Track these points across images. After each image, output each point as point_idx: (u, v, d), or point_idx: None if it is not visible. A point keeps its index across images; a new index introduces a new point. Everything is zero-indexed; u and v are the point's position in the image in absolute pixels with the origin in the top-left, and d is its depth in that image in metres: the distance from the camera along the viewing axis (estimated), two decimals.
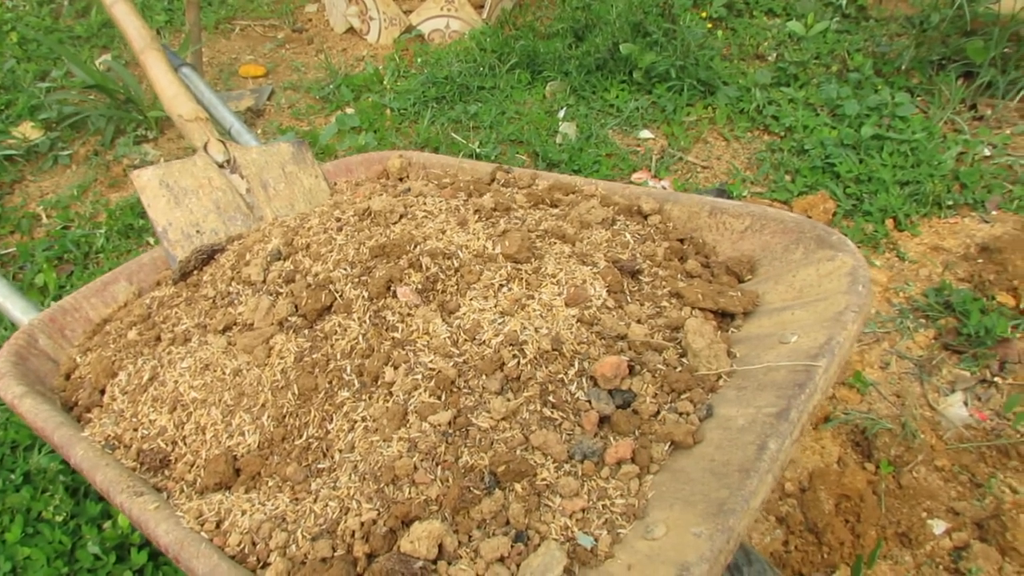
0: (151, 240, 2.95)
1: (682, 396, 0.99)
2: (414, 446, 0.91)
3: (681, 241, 1.34)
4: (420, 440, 0.91)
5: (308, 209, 1.69)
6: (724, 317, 1.15)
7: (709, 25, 3.59)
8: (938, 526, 1.95)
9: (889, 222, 2.66)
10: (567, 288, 1.09)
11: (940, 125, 2.93)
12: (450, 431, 0.91)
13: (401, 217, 1.24)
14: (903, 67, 3.16)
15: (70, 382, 1.34)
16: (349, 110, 3.47)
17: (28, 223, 3.18)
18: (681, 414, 0.97)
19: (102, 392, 1.22)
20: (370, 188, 1.65)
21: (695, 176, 3.33)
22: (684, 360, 1.05)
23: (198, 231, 1.59)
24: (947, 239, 2.61)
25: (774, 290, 1.16)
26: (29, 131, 3.50)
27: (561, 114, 3.30)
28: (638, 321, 1.10)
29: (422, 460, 0.89)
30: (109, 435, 1.11)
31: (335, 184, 1.82)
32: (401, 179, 1.78)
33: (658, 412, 0.97)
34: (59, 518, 1.85)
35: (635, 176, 3.08)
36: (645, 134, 3.27)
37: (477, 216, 1.24)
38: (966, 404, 2.25)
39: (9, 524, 1.84)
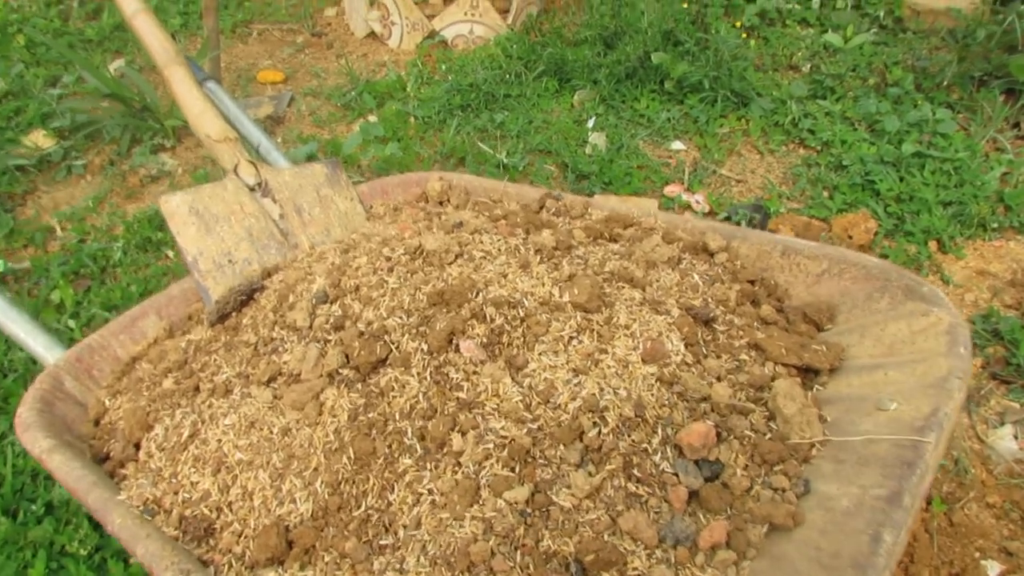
0: (170, 253, 2.88)
1: (775, 468, 0.91)
2: (489, 527, 0.83)
3: (751, 283, 1.26)
4: (496, 520, 0.83)
5: (344, 235, 1.61)
6: (807, 373, 1.07)
7: (743, 35, 3.50)
8: (992, 568, 1.87)
9: (932, 244, 2.57)
10: (643, 342, 1.01)
11: (983, 144, 2.84)
12: (528, 510, 0.83)
13: (457, 257, 1.16)
14: (944, 82, 3.07)
15: (100, 428, 1.26)
16: (372, 118, 3.39)
17: (42, 236, 3.10)
18: (776, 490, 0.89)
19: (136, 446, 1.15)
20: (411, 214, 1.56)
21: (729, 190, 3.24)
22: (771, 424, 0.97)
23: (230, 260, 1.51)
24: (992, 263, 2.52)
25: (860, 344, 1.08)
26: (41, 140, 3.43)
27: (590, 124, 3.22)
28: (718, 379, 1.02)
29: (499, 544, 0.81)
30: (148, 498, 1.03)
31: (370, 207, 1.74)
32: (441, 203, 1.70)
33: (751, 487, 0.88)
34: (84, 552, 1.77)
35: (667, 189, 2.99)
36: (677, 145, 3.18)
37: (539, 257, 1.16)
38: (1016, 437, 2.16)
39: (32, 559, 1.77)
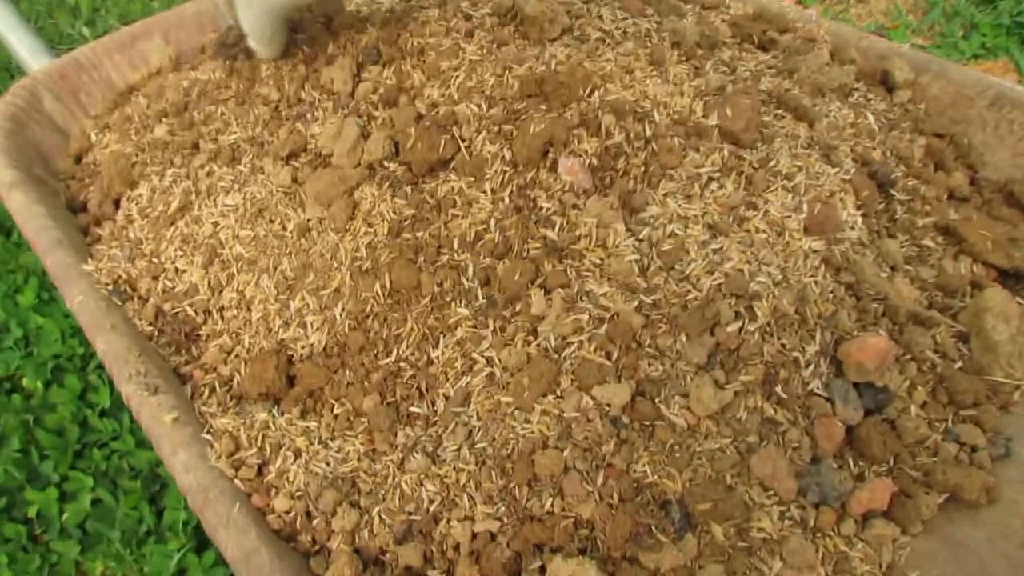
0: None
1: (963, 414, 0.65)
2: (567, 431, 0.59)
3: (939, 136, 0.94)
4: (577, 425, 0.59)
5: None
6: (1009, 278, 0.79)
7: None
8: None
9: None
10: (808, 202, 0.71)
11: None
12: (625, 420, 0.59)
13: (564, 33, 0.83)
14: None
15: (81, 167, 1.01)
16: None
17: None
18: (963, 446, 0.64)
19: (116, 203, 0.90)
20: None
21: (847, 11, 2.74)
22: (961, 348, 0.70)
23: None
24: None
25: None
26: None
27: None
28: (893, 268, 0.74)
29: (577, 459, 0.58)
30: (120, 276, 0.80)
31: None
32: None
33: (928, 436, 0.64)
34: None
35: None
36: None
37: (677, 53, 0.83)
38: None
39: (23, 284, 1.59)
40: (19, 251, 1.68)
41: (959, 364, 0.68)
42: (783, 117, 0.82)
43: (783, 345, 0.63)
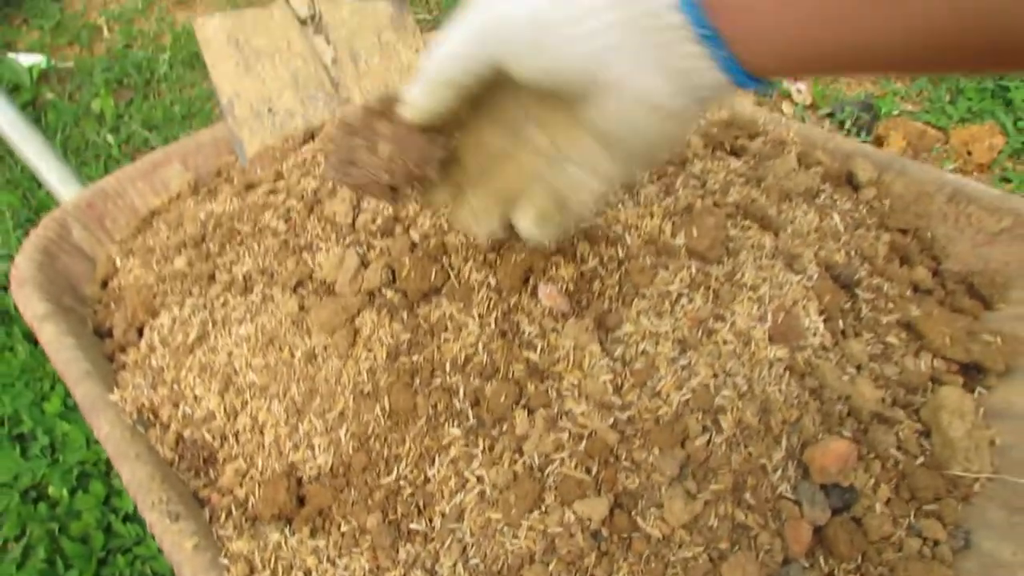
0: None
1: (926, 508, 0.70)
2: (551, 546, 0.64)
3: (903, 232, 1.00)
4: (560, 539, 0.64)
5: None
6: (970, 370, 0.83)
7: None
8: None
9: None
10: (772, 311, 0.77)
11: None
12: (605, 533, 0.64)
13: None
14: None
15: (107, 292, 1.09)
16: None
17: (88, 35, 2.87)
18: (926, 541, 0.68)
19: (140, 330, 0.97)
20: None
21: (837, 80, 2.85)
22: (924, 444, 0.75)
23: (270, 109, 1.28)
24: None
25: None
26: None
27: None
28: (859, 368, 0.79)
29: (562, 572, 0.63)
30: (144, 404, 0.86)
31: None
32: None
33: (893, 532, 0.68)
34: None
35: None
36: None
37: (648, 173, 0.90)
38: None
39: (49, 392, 1.67)
40: (46, 360, 1.76)
41: (921, 460, 0.73)
42: (749, 228, 0.88)
43: (750, 453, 0.68)
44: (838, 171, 1.05)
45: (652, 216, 0.84)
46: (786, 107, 2.80)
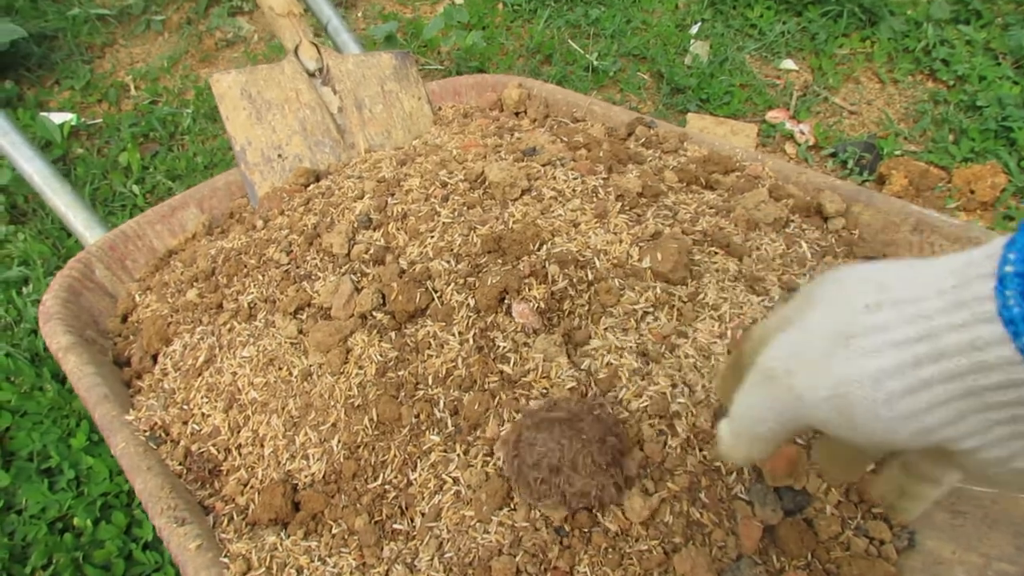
0: None
1: (874, 511, 0.74)
2: (518, 540, 0.69)
3: (870, 260, 1.05)
4: (526, 534, 0.69)
5: (406, 139, 1.45)
6: None
7: None
8: None
9: None
10: (731, 329, 0.83)
11: None
12: (567, 528, 0.70)
13: (523, 193, 0.99)
14: None
15: (127, 326, 1.17)
16: (459, 0, 3.14)
17: (116, 93, 3.02)
18: (872, 540, 0.73)
19: (154, 357, 1.05)
20: (481, 126, 1.38)
21: (840, 122, 2.91)
22: None
23: (280, 155, 1.38)
24: None
25: None
26: None
27: (694, 30, 2.90)
28: None
29: (527, 563, 0.68)
30: (156, 423, 0.94)
31: (439, 108, 1.56)
32: (517, 113, 1.51)
33: (841, 531, 0.73)
34: None
35: (770, 114, 2.70)
36: (788, 64, 2.85)
37: (620, 204, 0.98)
38: None
39: (75, 428, 1.75)
40: (72, 397, 1.85)
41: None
42: (716, 253, 0.95)
43: (705, 457, 0.73)
44: (808, 203, 1.12)
45: (621, 242, 0.91)
46: (789, 148, 2.88)
